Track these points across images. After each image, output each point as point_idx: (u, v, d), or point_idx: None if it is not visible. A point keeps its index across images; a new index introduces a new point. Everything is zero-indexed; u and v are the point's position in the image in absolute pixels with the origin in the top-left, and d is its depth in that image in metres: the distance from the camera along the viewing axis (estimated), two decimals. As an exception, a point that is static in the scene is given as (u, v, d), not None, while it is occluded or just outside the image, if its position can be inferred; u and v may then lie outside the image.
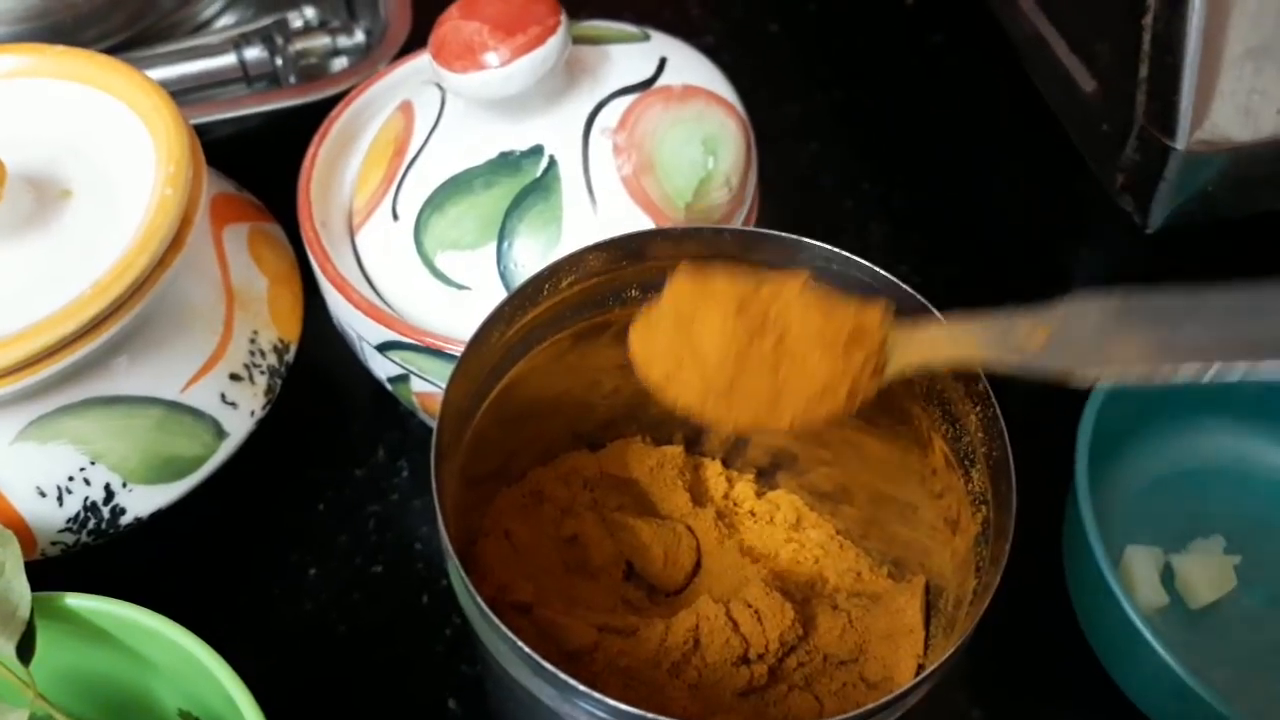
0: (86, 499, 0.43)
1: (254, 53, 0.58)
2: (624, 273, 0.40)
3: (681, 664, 0.38)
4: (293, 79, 0.58)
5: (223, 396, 0.45)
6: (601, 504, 0.44)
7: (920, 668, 0.39)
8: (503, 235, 0.43)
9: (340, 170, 0.49)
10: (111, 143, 0.45)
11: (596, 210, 0.43)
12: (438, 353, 0.43)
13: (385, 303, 0.45)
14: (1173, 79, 0.45)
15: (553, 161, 0.43)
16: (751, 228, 0.44)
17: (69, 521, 0.43)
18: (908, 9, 0.69)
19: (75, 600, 0.38)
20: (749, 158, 0.46)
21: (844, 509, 0.44)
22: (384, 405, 0.52)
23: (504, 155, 0.44)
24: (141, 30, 0.58)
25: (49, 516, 0.42)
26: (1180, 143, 0.46)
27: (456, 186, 0.44)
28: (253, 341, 0.46)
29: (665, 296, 0.33)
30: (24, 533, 0.42)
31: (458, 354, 0.37)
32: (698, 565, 0.43)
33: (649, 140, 0.44)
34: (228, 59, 0.58)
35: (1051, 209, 0.60)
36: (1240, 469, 0.50)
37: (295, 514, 0.50)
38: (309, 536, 0.50)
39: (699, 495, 0.45)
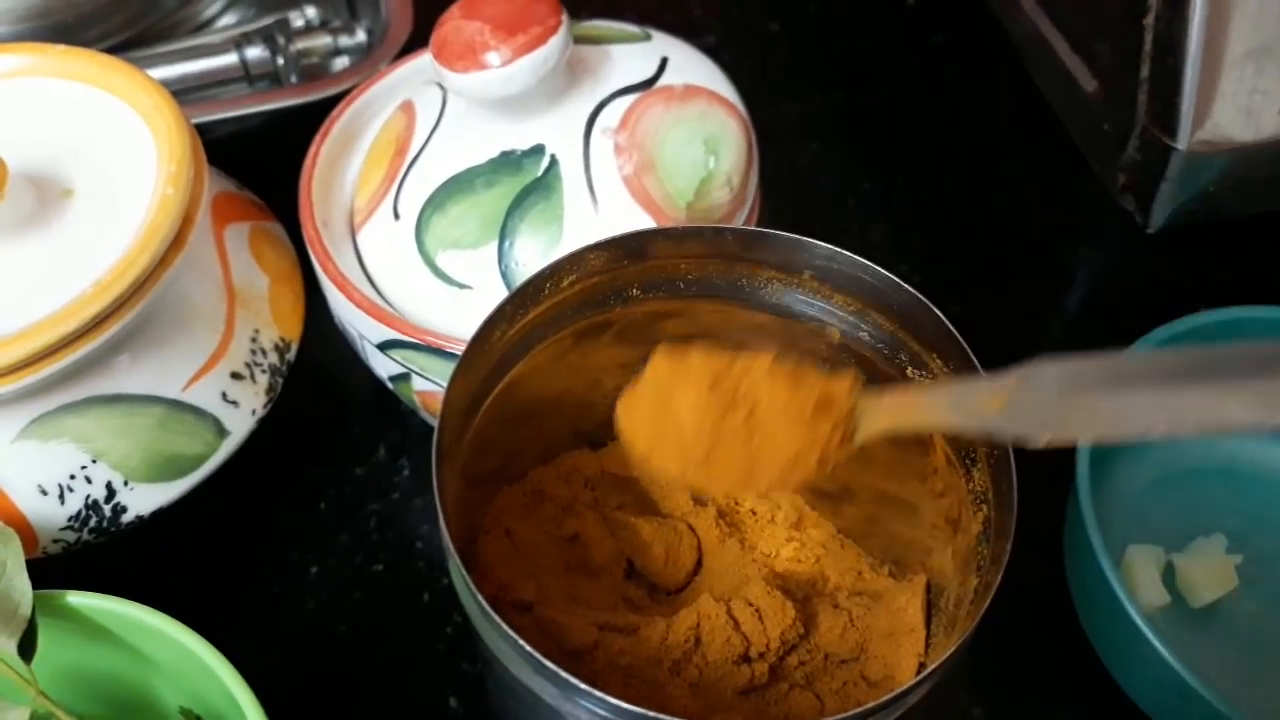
0: (88, 497, 0.43)
1: (255, 52, 0.58)
2: (625, 272, 0.40)
3: (682, 662, 0.38)
4: (294, 78, 0.58)
5: (224, 395, 0.45)
6: (602, 503, 0.44)
7: (921, 666, 0.39)
8: (504, 234, 0.43)
9: (341, 169, 0.49)
10: (113, 142, 0.45)
11: (598, 210, 0.43)
12: (439, 351, 0.43)
13: (386, 302, 0.45)
14: (1174, 79, 0.45)
15: (554, 161, 0.43)
16: (753, 227, 0.44)
17: (70, 520, 0.43)
18: (909, 9, 0.69)
19: (77, 598, 0.38)
20: (750, 157, 0.46)
21: (845, 508, 0.44)
22: (385, 404, 0.52)
23: (505, 154, 0.44)
24: (143, 30, 0.58)
25: (50, 515, 0.42)
26: (1182, 143, 0.46)
27: (458, 186, 0.44)
28: (254, 340, 0.46)
29: (645, 375, 0.35)
30: (25, 531, 0.42)
31: (459, 353, 0.37)
32: (699, 564, 0.43)
33: (650, 140, 0.44)
34: (229, 58, 0.58)
35: (1053, 209, 0.60)
36: (1242, 468, 0.50)
37: (296, 512, 0.50)
38: (310, 535, 0.50)
39: (700, 494, 0.45)
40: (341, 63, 0.60)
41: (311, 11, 0.61)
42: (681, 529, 0.43)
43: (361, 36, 0.60)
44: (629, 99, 0.45)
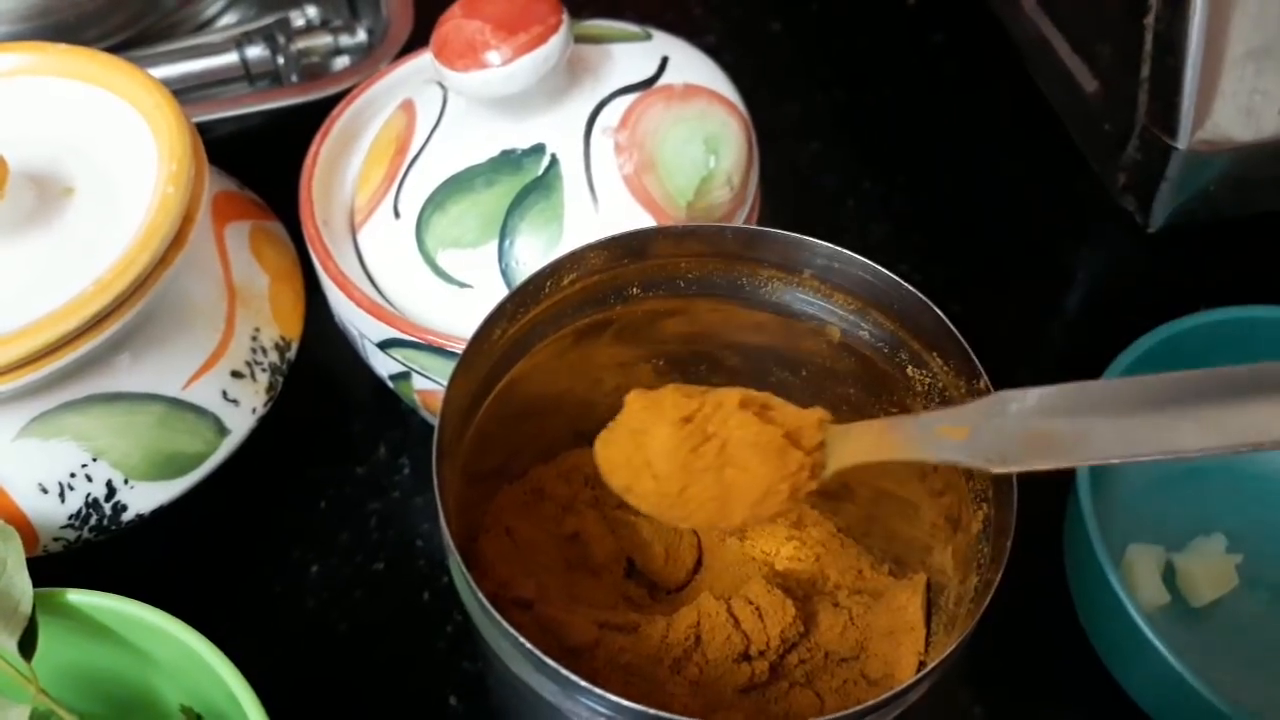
0: (88, 495, 0.43)
1: (256, 51, 0.58)
2: (625, 271, 0.40)
3: (683, 660, 0.38)
4: (294, 78, 0.58)
5: (224, 394, 0.45)
6: (603, 501, 0.44)
7: (921, 665, 0.39)
8: (504, 233, 0.43)
9: (342, 168, 0.49)
10: (114, 141, 0.45)
11: (598, 208, 0.43)
12: (439, 350, 0.43)
13: (387, 300, 0.45)
14: (1174, 79, 0.45)
15: (554, 160, 0.43)
16: (753, 226, 0.44)
17: (71, 518, 0.43)
18: (909, 9, 0.69)
19: (77, 596, 0.39)
20: (750, 157, 0.46)
21: (845, 507, 0.44)
22: (385, 403, 0.52)
23: (505, 153, 0.44)
24: (144, 29, 0.58)
25: (51, 513, 0.42)
26: (1182, 142, 0.46)
27: (458, 184, 0.44)
28: (254, 339, 0.46)
29: (621, 415, 0.36)
30: (26, 529, 0.42)
31: (459, 352, 0.37)
32: (699, 563, 0.43)
33: (650, 139, 0.44)
34: (230, 58, 0.58)
35: (1053, 208, 0.60)
36: (1242, 468, 0.50)
37: (297, 511, 0.50)
38: (310, 534, 0.50)
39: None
40: (342, 62, 0.60)
41: (312, 11, 0.61)
42: (681, 528, 0.43)
43: (362, 36, 0.60)
44: (629, 98, 0.45)
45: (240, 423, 0.45)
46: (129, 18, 0.57)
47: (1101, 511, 0.43)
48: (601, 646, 0.38)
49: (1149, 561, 0.46)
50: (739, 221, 0.46)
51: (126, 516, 0.43)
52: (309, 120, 0.50)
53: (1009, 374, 0.35)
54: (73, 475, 0.42)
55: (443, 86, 0.47)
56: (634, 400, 0.35)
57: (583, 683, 0.31)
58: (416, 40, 0.55)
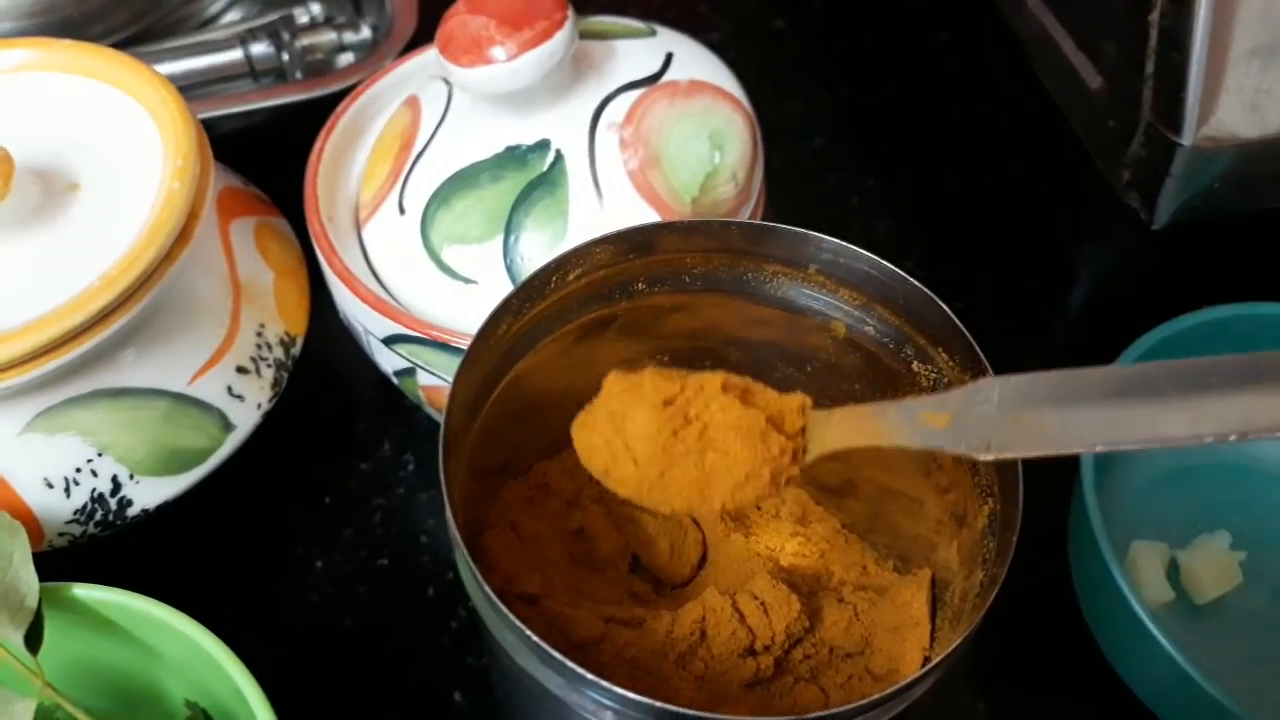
0: (94, 490, 0.43)
1: (260, 48, 0.58)
2: (631, 266, 0.40)
3: (688, 655, 0.38)
4: (299, 74, 0.59)
5: (229, 389, 0.45)
6: (608, 497, 0.43)
7: (926, 660, 0.39)
8: (509, 229, 0.43)
9: (347, 165, 0.49)
10: (119, 137, 0.45)
11: (603, 204, 0.43)
12: (444, 346, 0.43)
13: (392, 296, 0.45)
14: (1179, 75, 0.45)
15: (559, 156, 0.43)
16: (759, 221, 0.44)
17: (76, 513, 0.43)
18: (913, 6, 0.69)
19: (83, 591, 0.39)
20: (755, 153, 0.46)
21: (849, 503, 0.44)
22: (390, 399, 0.52)
23: (510, 149, 0.44)
24: (148, 25, 0.58)
25: (56, 508, 0.42)
26: (1186, 139, 0.46)
27: (463, 180, 0.44)
28: (259, 335, 0.46)
29: (599, 397, 0.35)
30: (31, 524, 0.42)
31: (464, 347, 0.37)
32: (704, 558, 0.44)
33: (655, 135, 0.44)
34: (234, 54, 0.58)
35: (1057, 205, 0.60)
36: (1246, 465, 0.50)
37: (301, 507, 0.51)
38: (315, 529, 0.50)
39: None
40: (346, 58, 0.60)
41: (316, 8, 0.61)
42: (686, 523, 0.43)
43: (366, 32, 0.60)
44: (634, 94, 0.45)
45: (245, 418, 0.45)
46: (134, 14, 0.58)
47: (1106, 508, 0.43)
48: (607, 641, 0.38)
49: (1153, 558, 0.46)
50: (743, 218, 0.46)
51: (132, 512, 0.43)
52: (314, 117, 0.50)
53: (1013, 370, 0.35)
54: (78, 470, 0.42)
55: (447, 82, 0.47)
56: (613, 382, 0.35)
57: (589, 675, 0.31)
58: (421, 36, 0.55)
